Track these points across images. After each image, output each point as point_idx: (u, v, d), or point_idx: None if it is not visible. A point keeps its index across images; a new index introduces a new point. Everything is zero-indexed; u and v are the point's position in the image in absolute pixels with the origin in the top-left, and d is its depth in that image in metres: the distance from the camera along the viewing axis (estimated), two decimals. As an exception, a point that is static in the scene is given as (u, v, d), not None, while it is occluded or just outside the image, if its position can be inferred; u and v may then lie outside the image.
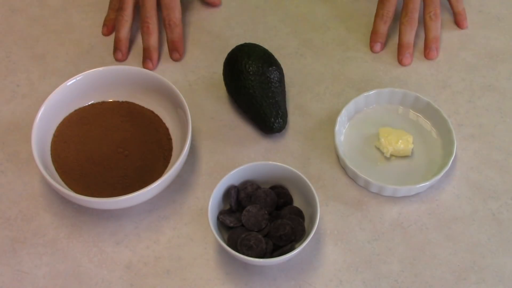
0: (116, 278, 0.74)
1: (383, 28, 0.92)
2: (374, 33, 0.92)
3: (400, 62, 0.91)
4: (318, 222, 0.73)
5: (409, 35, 0.91)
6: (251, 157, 0.83)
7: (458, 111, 0.88)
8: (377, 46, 0.92)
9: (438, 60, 0.93)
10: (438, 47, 0.92)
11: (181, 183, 0.81)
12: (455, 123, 0.87)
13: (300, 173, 0.76)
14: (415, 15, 0.92)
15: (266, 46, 0.87)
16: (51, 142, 0.81)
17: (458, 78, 0.91)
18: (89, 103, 0.84)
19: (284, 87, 0.86)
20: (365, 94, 0.86)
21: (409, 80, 0.91)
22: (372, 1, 0.96)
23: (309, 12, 0.98)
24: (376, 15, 0.93)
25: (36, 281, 0.74)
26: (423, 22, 0.93)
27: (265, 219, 0.75)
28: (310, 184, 0.75)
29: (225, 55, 0.86)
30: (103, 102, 0.85)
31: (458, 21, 0.95)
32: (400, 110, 0.87)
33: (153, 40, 0.90)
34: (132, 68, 0.84)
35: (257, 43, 0.86)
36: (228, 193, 0.77)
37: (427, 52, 0.91)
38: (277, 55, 0.87)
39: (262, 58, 0.83)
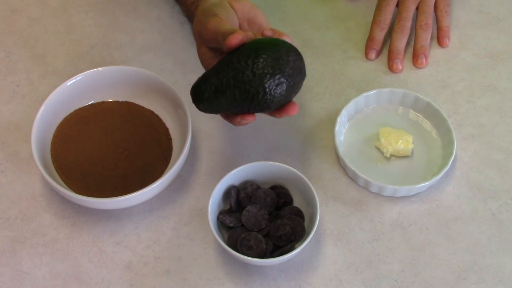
0: (116, 278, 0.74)
1: (380, 35, 0.92)
2: (370, 40, 0.93)
3: (390, 68, 0.91)
4: (318, 222, 0.73)
5: (400, 42, 0.92)
6: (251, 157, 0.83)
7: (458, 111, 0.88)
8: (373, 53, 0.92)
9: (438, 60, 0.93)
10: (427, 56, 0.92)
11: (181, 183, 0.81)
12: (455, 123, 0.87)
13: (300, 173, 0.76)
14: (408, 23, 0.93)
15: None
16: (51, 142, 0.81)
17: (458, 78, 0.91)
18: (89, 103, 0.85)
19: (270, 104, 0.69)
20: (365, 94, 0.86)
21: (409, 80, 0.91)
22: (372, 1, 0.96)
23: (309, 12, 0.98)
24: (373, 22, 0.93)
25: (36, 281, 0.74)
26: (414, 31, 0.94)
27: (265, 219, 0.75)
28: (310, 184, 0.75)
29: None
30: (103, 102, 0.85)
31: (439, 37, 0.95)
32: (400, 110, 0.87)
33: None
34: (132, 68, 0.84)
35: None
36: (228, 193, 0.77)
37: (415, 60, 0.92)
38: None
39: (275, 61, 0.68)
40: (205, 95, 0.69)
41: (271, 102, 0.68)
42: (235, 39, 0.68)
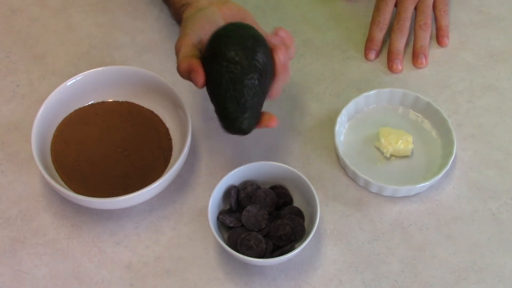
0: (116, 278, 0.74)
1: (379, 35, 0.92)
2: (369, 40, 0.93)
3: (390, 68, 0.91)
4: (318, 222, 0.73)
5: (399, 43, 0.92)
6: (251, 157, 0.83)
7: (458, 111, 0.88)
8: (372, 54, 0.92)
9: (438, 60, 0.93)
10: (427, 55, 0.92)
11: (181, 183, 0.81)
12: (455, 123, 0.87)
13: (300, 173, 0.76)
14: (407, 23, 0.93)
15: (266, 46, 0.87)
16: (51, 142, 0.81)
17: (458, 78, 0.91)
18: (89, 103, 0.85)
19: (266, 83, 0.73)
20: (365, 94, 0.86)
21: (409, 80, 0.91)
22: (372, 2, 0.96)
23: (309, 12, 0.98)
24: (372, 22, 0.93)
25: (36, 281, 0.74)
26: (414, 31, 0.94)
27: (265, 219, 0.75)
28: (310, 184, 0.75)
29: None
30: (103, 102, 0.85)
31: (438, 36, 0.95)
32: (400, 110, 0.87)
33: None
34: (132, 68, 0.84)
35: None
36: (228, 193, 0.77)
37: (415, 60, 0.92)
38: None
39: (246, 43, 0.71)
40: (243, 125, 0.72)
41: (268, 70, 0.72)
42: (200, 83, 0.72)
